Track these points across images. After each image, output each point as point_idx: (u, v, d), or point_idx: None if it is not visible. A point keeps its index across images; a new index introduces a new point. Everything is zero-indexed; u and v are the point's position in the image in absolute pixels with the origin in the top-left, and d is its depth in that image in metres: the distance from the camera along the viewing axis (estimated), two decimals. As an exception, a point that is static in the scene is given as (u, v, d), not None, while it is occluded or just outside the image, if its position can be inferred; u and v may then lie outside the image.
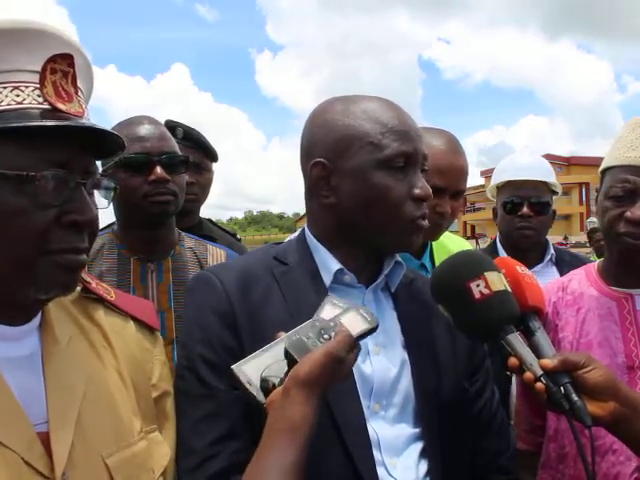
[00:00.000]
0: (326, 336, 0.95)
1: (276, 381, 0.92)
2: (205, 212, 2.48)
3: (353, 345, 0.96)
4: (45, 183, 0.80)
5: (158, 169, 1.68)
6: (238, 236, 2.74)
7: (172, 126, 2.22)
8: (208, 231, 2.38)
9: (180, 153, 1.79)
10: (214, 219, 2.71)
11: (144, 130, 1.72)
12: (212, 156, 2.44)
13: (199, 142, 2.36)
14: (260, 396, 0.91)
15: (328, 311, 1.01)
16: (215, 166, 2.51)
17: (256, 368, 0.93)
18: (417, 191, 1.15)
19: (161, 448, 1.01)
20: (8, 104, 0.81)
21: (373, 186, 1.13)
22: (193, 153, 2.18)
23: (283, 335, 0.97)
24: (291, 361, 0.93)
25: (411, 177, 1.15)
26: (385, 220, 1.15)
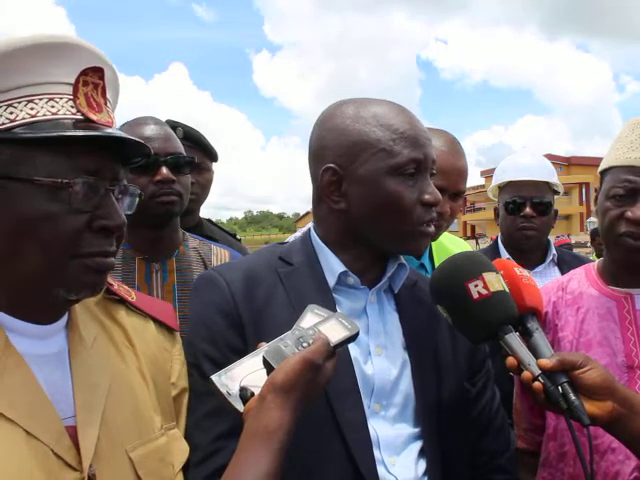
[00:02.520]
0: (305, 344, 0.95)
1: (255, 390, 0.92)
2: (205, 212, 2.49)
3: (330, 352, 0.96)
4: (77, 190, 0.84)
5: (164, 169, 1.69)
6: (238, 236, 2.75)
7: (172, 126, 2.22)
8: (209, 231, 2.38)
9: (185, 154, 1.79)
10: (214, 219, 2.71)
11: (150, 131, 1.73)
12: (212, 156, 2.45)
13: (199, 142, 2.36)
14: (239, 405, 0.92)
15: (309, 320, 1.02)
16: (214, 166, 2.51)
17: (236, 377, 0.94)
18: (427, 197, 1.16)
19: (180, 444, 1.04)
20: (44, 115, 0.85)
21: (385, 192, 1.14)
22: (193, 153, 2.18)
23: (264, 345, 0.97)
24: (269, 368, 0.93)
25: (421, 183, 1.17)
26: (395, 225, 1.16)
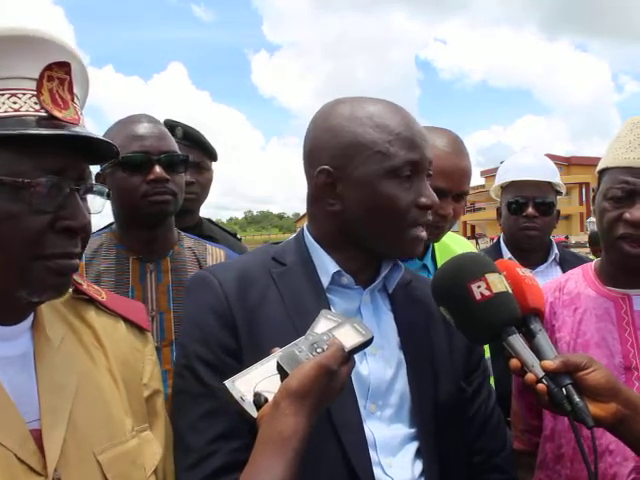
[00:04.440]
0: (319, 350, 0.95)
1: (269, 396, 0.92)
2: (205, 212, 2.49)
3: (346, 358, 0.96)
4: (40, 190, 0.82)
5: (157, 168, 1.67)
6: (238, 236, 2.74)
7: (172, 125, 2.21)
8: (209, 231, 2.38)
9: (179, 152, 1.77)
10: (214, 219, 2.71)
11: (143, 129, 1.70)
12: (212, 155, 2.44)
13: (199, 141, 2.36)
14: (252, 411, 0.91)
15: (322, 325, 1.01)
16: (214, 166, 2.50)
17: (249, 383, 0.93)
18: (423, 200, 1.15)
19: (152, 446, 1.02)
20: (5, 111, 0.83)
21: (381, 195, 1.13)
22: (193, 152, 2.18)
23: (278, 350, 0.97)
24: (283, 374, 0.93)
25: (417, 185, 1.15)
26: (389, 228, 1.15)
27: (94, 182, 0.92)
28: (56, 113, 0.85)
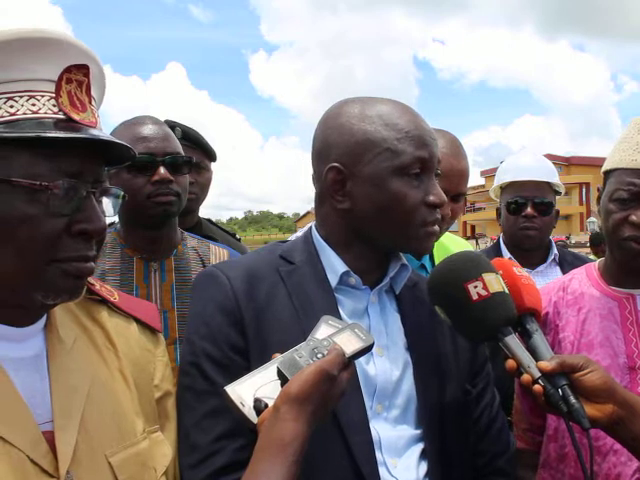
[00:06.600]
0: (319, 355, 0.95)
1: (269, 402, 0.92)
2: (204, 212, 2.48)
3: (345, 363, 0.95)
4: (57, 192, 0.81)
5: (162, 169, 1.68)
6: (238, 236, 2.74)
7: (171, 126, 2.21)
8: (208, 231, 2.38)
9: (183, 154, 1.78)
10: (214, 219, 2.71)
11: (148, 130, 1.72)
12: (211, 155, 2.45)
13: (198, 142, 2.36)
14: (252, 416, 0.91)
15: (323, 331, 1.01)
16: (213, 166, 2.50)
17: (250, 388, 0.93)
18: (432, 198, 1.15)
19: (163, 448, 1.02)
20: (24, 113, 0.82)
21: (390, 193, 1.13)
22: (192, 152, 2.18)
23: (278, 356, 0.97)
24: (283, 380, 0.93)
25: (426, 183, 1.16)
26: (399, 226, 1.15)
27: (109, 185, 0.91)
28: (74, 116, 0.85)
